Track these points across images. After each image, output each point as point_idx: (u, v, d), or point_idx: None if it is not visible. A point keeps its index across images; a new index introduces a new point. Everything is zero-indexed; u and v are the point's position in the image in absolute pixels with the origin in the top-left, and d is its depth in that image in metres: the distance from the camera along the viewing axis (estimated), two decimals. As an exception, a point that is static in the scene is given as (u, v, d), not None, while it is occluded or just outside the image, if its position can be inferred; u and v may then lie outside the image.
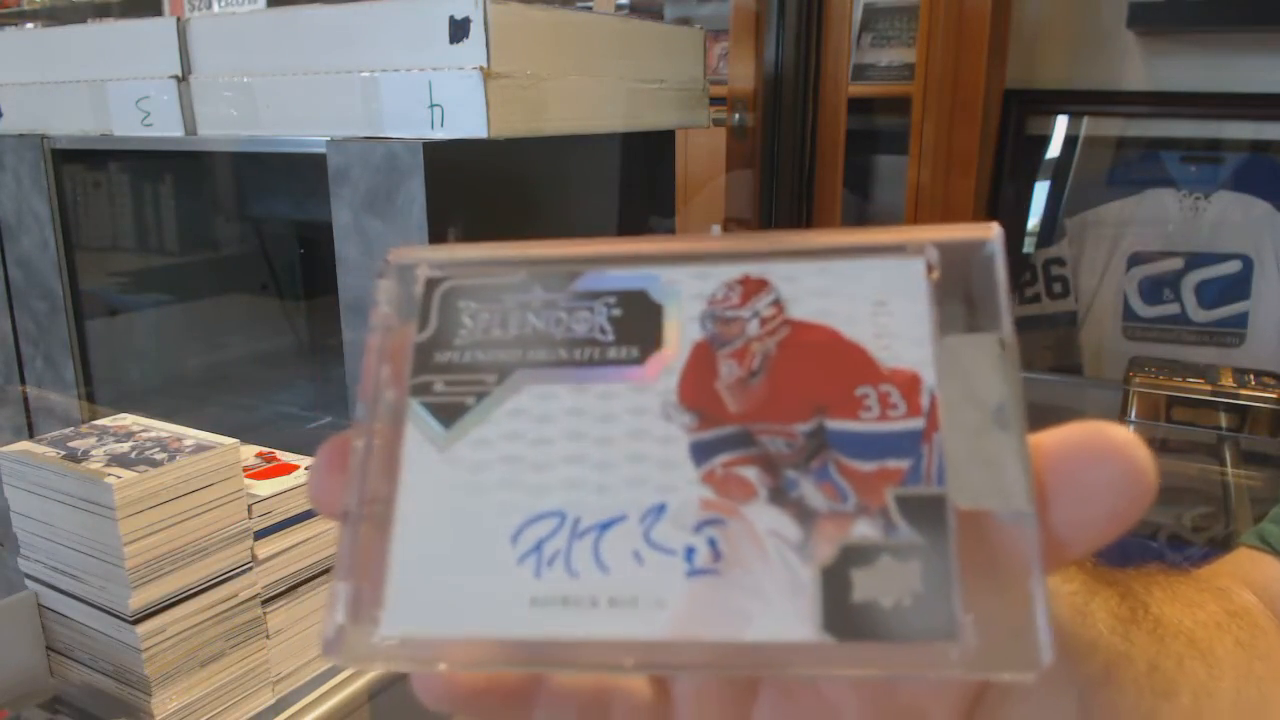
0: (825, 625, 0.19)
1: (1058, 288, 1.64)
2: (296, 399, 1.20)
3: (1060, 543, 0.20)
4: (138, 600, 0.60)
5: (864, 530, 0.19)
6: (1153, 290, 1.58)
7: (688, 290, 0.22)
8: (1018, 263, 1.67)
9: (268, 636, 0.68)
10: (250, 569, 0.66)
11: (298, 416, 1.15)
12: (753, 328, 0.21)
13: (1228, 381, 1.35)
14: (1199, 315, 1.55)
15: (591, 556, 0.20)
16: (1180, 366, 1.43)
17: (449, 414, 0.22)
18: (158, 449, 0.63)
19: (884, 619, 0.19)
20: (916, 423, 0.20)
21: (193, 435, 0.66)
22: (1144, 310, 1.59)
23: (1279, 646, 0.36)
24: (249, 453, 0.71)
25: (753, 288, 0.22)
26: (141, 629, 0.60)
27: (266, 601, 0.68)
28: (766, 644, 0.19)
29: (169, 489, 0.60)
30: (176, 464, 0.61)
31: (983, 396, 0.20)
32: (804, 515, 0.20)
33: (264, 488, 0.67)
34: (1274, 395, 1.31)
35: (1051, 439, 0.20)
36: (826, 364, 0.21)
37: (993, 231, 0.21)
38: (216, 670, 0.65)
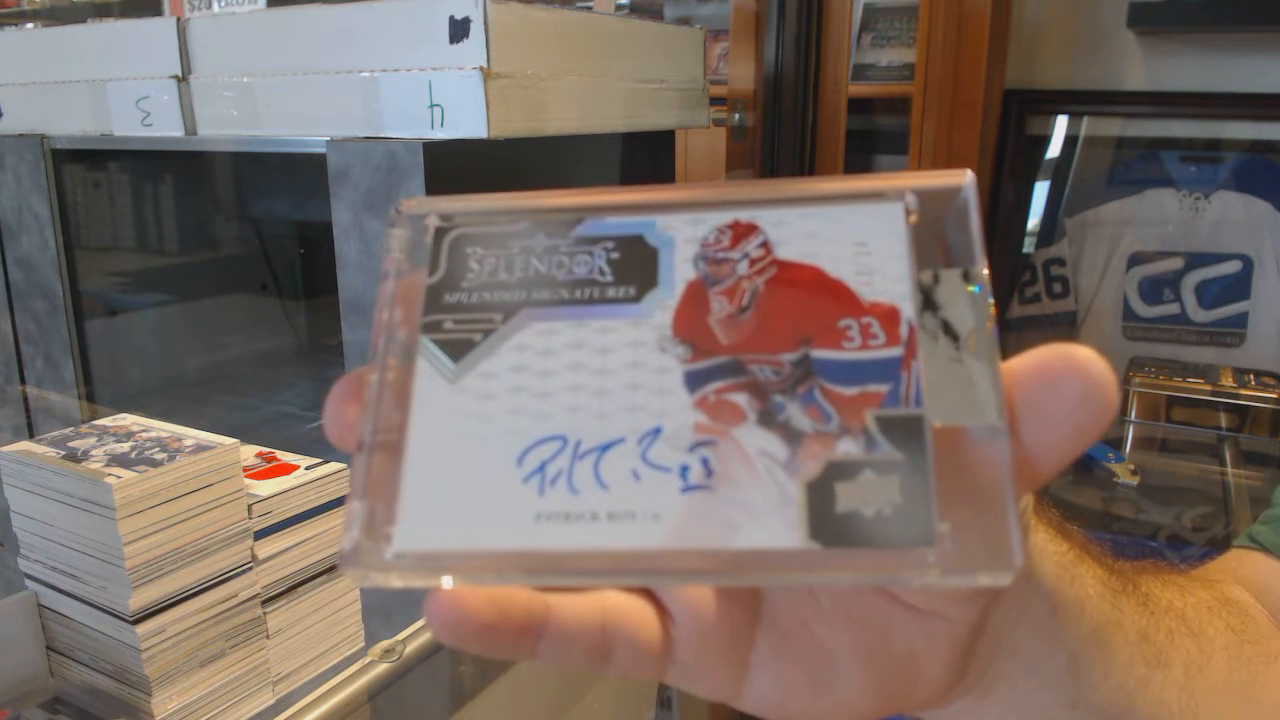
0: (812, 534, 0.20)
1: (1058, 288, 1.64)
2: (296, 399, 1.20)
3: (1031, 458, 0.21)
4: (138, 600, 0.60)
5: (847, 448, 0.21)
6: (1153, 290, 1.58)
7: (682, 234, 0.24)
8: (1018, 263, 1.67)
9: (268, 636, 0.68)
10: (250, 569, 0.66)
11: (298, 416, 1.15)
12: (743, 267, 0.23)
13: (1228, 381, 1.35)
14: (1199, 315, 1.55)
15: (592, 475, 0.21)
16: (1180, 366, 1.43)
17: (458, 349, 0.23)
18: (158, 449, 0.63)
19: (866, 527, 0.20)
20: (896, 350, 0.21)
21: (193, 435, 0.66)
22: (1144, 310, 1.59)
23: (1269, 634, 0.36)
24: (249, 453, 0.71)
25: (743, 231, 0.24)
26: (141, 629, 0.60)
27: (266, 601, 0.68)
28: (757, 550, 0.20)
29: (169, 489, 0.60)
30: (176, 464, 0.61)
31: (957, 325, 0.22)
32: (791, 436, 0.21)
33: (264, 488, 0.67)
34: (1274, 395, 1.31)
35: (1020, 362, 0.21)
36: (812, 299, 0.22)
37: (966, 177, 0.23)
38: (216, 670, 0.65)
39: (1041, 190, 1.66)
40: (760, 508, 0.20)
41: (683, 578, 0.22)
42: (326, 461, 0.71)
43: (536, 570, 0.21)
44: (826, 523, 0.20)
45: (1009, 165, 1.65)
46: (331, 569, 0.71)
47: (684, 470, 0.21)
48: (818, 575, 0.20)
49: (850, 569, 0.20)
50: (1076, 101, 1.62)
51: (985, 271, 0.22)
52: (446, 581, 0.21)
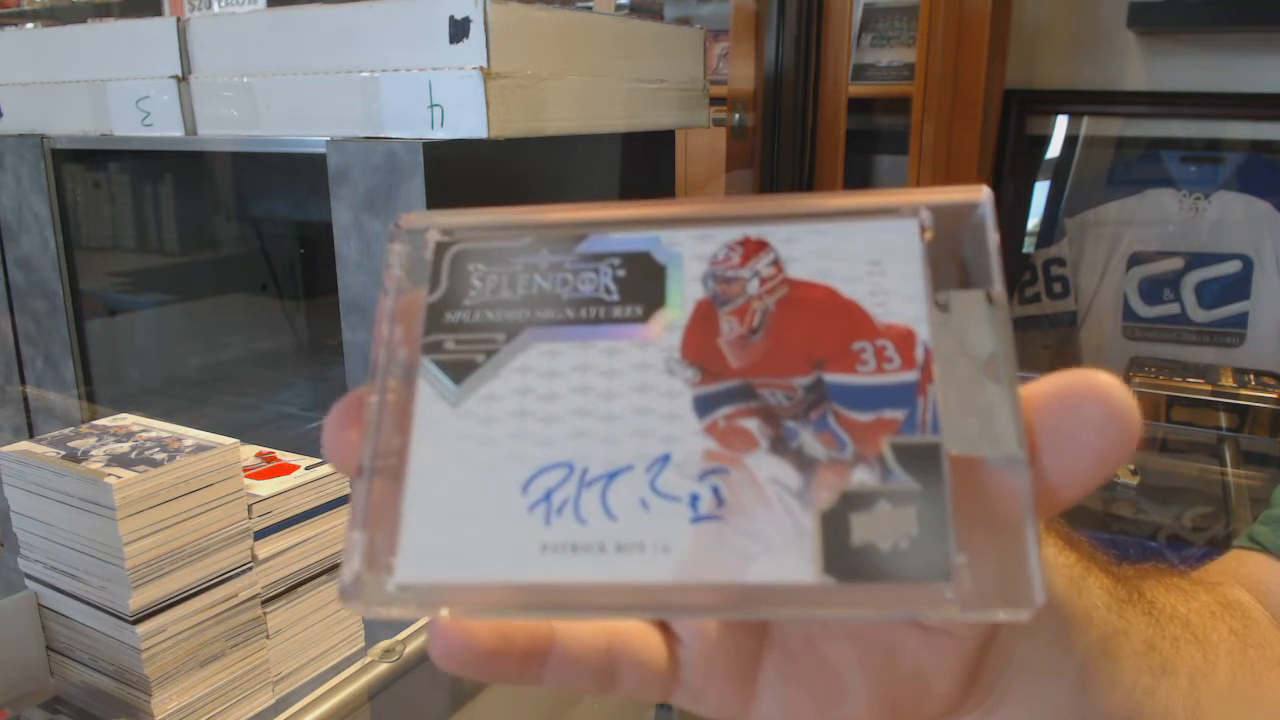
0: (825, 567, 0.19)
1: (1058, 288, 1.64)
2: (296, 399, 1.20)
3: (1052, 487, 0.20)
4: (138, 600, 0.60)
5: (862, 477, 0.20)
6: (1153, 290, 1.58)
7: (690, 251, 0.23)
8: (1018, 263, 1.67)
9: (268, 636, 0.68)
10: (250, 569, 0.66)
11: (298, 416, 1.15)
12: (753, 286, 0.22)
13: (1228, 381, 1.35)
14: (1199, 315, 1.55)
15: (599, 504, 0.21)
16: (1180, 366, 1.43)
17: (460, 371, 0.22)
18: (158, 449, 0.63)
19: (882, 561, 0.19)
20: (911, 375, 0.21)
21: (193, 435, 0.66)
22: (1144, 310, 1.59)
23: (1272, 637, 0.36)
24: (249, 453, 0.71)
25: (753, 248, 0.23)
26: (141, 629, 0.60)
27: (266, 601, 0.68)
28: (769, 585, 0.20)
29: (169, 489, 0.60)
30: (176, 464, 0.61)
31: (974, 349, 0.21)
32: (804, 464, 0.20)
33: (264, 488, 0.67)
34: (1274, 395, 1.31)
35: (1040, 387, 0.21)
36: (824, 321, 0.22)
37: (983, 194, 0.22)
38: (216, 670, 0.65)
39: (1041, 190, 1.66)
40: (773, 540, 0.20)
41: (693, 613, 0.22)
42: (326, 461, 0.71)
43: (543, 605, 0.20)
44: (841, 556, 0.19)
45: (1009, 165, 1.65)
46: (331, 569, 0.71)
47: (694, 500, 0.20)
48: (832, 611, 0.20)
49: (866, 605, 0.19)
50: (1076, 101, 1.62)
51: (1004, 292, 0.21)
52: (452, 613, 0.20)
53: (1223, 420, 1.33)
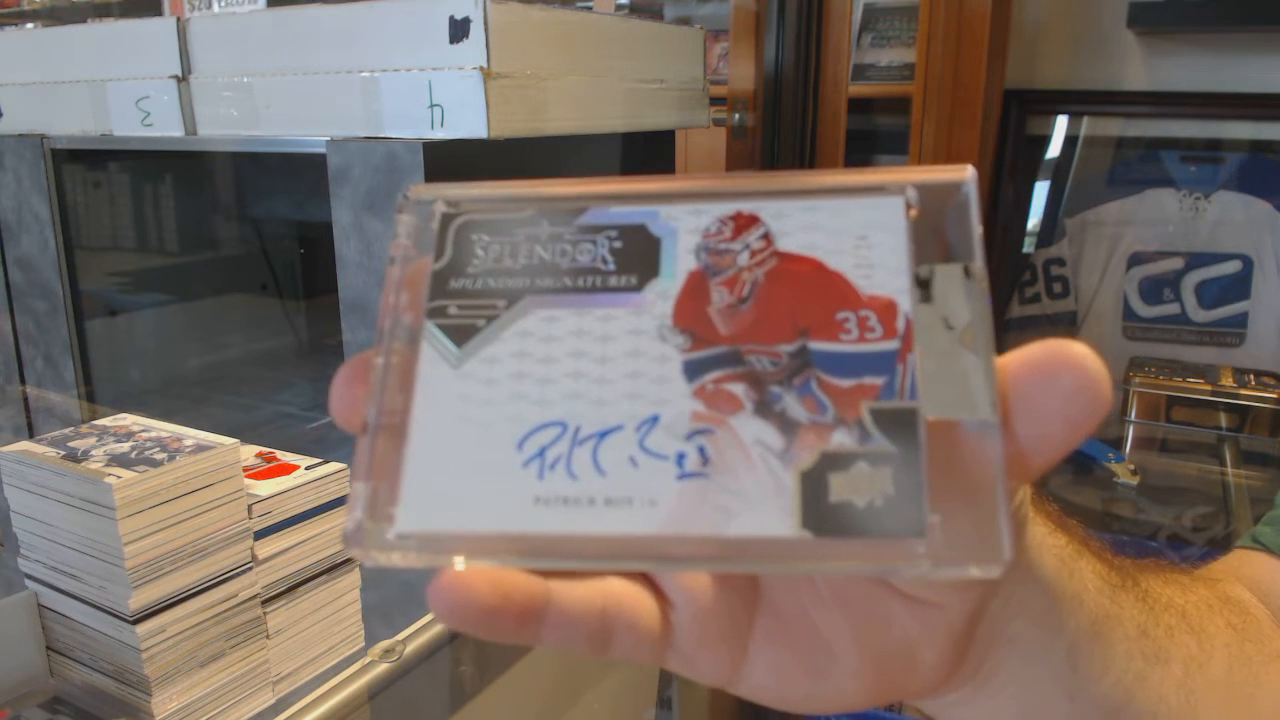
0: (804, 523, 0.20)
1: (1058, 288, 1.64)
2: (296, 399, 1.20)
3: (1024, 451, 0.21)
4: (138, 600, 0.60)
5: (841, 439, 0.21)
6: (1153, 290, 1.58)
7: (684, 225, 0.24)
8: (1018, 263, 1.67)
9: (268, 636, 0.68)
10: (250, 569, 0.66)
11: (298, 416, 1.15)
12: (743, 258, 0.23)
13: (1228, 381, 1.35)
14: (1199, 315, 1.55)
15: (590, 461, 0.22)
16: (1180, 366, 1.43)
17: (462, 334, 0.24)
18: (158, 449, 0.63)
19: (858, 518, 0.20)
20: (892, 344, 0.22)
21: (193, 435, 0.66)
22: (1144, 310, 1.59)
23: (1270, 633, 0.36)
24: (249, 453, 0.71)
25: (744, 223, 0.24)
26: (141, 629, 0.60)
27: (266, 601, 0.68)
28: (750, 538, 0.21)
29: (169, 489, 0.60)
30: (176, 464, 0.61)
31: (953, 319, 0.22)
32: (786, 426, 0.21)
33: (264, 488, 0.67)
34: (1274, 395, 1.31)
35: (1015, 356, 0.22)
36: (810, 291, 0.23)
37: (967, 173, 0.23)
38: (216, 670, 0.65)
39: (1041, 190, 1.66)
40: (754, 496, 0.21)
41: (676, 564, 0.22)
42: (326, 461, 0.71)
43: (534, 553, 0.21)
44: (819, 512, 0.20)
45: (1009, 165, 1.65)
46: (331, 569, 0.72)
47: (680, 458, 0.21)
48: (809, 564, 0.21)
49: (841, 558, 0.20)
50: (1076, 101, 1.62)
51: (983, 267, 0.22)
52: (450, 562, 0.21)
53: (1223, 420, 1.33)
